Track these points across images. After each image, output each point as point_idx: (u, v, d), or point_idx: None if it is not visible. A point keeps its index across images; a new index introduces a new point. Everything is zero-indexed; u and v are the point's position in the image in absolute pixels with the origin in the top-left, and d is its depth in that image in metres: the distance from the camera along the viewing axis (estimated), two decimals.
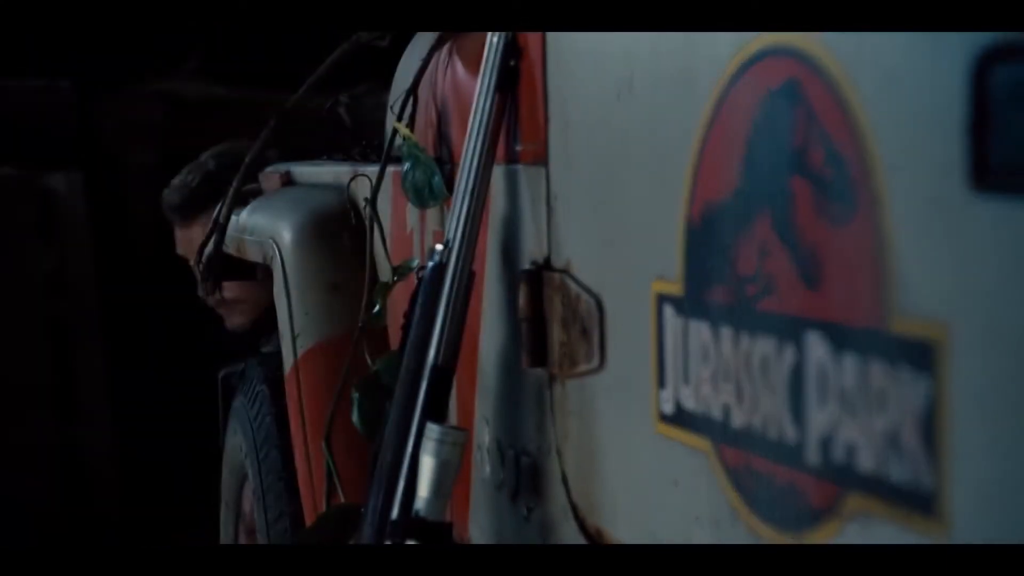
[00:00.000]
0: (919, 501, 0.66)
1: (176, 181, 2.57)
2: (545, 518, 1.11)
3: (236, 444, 1.98)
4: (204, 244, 1.72)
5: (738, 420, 0.81)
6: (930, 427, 0.65)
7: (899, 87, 0.66)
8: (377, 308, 1.34)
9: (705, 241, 0.85)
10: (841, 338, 0.70)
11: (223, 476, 2.10)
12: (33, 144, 3.34)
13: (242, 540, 2.04)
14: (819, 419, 0.73)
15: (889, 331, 0.67)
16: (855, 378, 0.69)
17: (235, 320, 2.36)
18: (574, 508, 1.06)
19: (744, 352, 0.80)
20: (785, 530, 0.78)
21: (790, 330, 0.75)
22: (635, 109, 0.95)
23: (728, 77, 0.81)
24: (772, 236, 0.77)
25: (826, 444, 0.72)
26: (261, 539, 1.81)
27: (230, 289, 2.38)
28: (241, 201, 1.87)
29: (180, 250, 2.57)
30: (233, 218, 1.83)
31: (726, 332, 0.82)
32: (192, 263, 2.35)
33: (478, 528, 1.25)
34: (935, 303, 0.64)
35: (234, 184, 1.45)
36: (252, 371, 1.93)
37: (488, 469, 1.21)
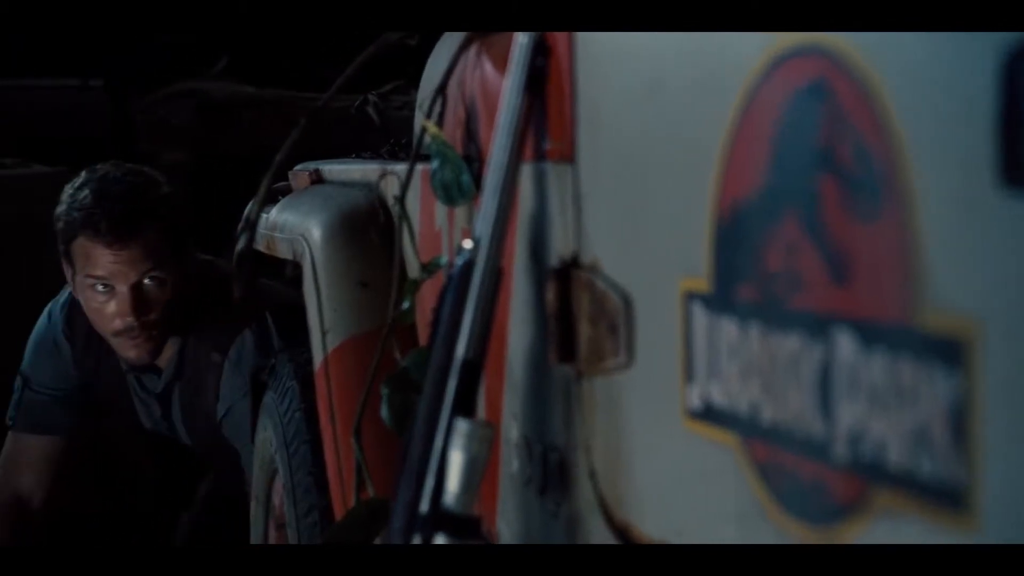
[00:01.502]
0: (949, 498, 0.66)
1: (88, 195, 2.30)
2: (572, 513, 1.12)
3: (266, 439, 1.99)
4: (234, 242, 1.73)
5: (766, 416, 0.81)
6: (960, 423, 0.65)
7: (928, 83, 0.67)
8: (406, 305, 1.35)
9: (733, 238, 0.85)
10: (870, 335, 0.71)
11: (253, 471, 2.11)
12: (66, 143, 3.36)
13: (272, 534, 2.06)
14: (848, 415, 0.73)
15: (918, 328, 0.67)
16: (884, 374, 0.70)
17: (139, 350, 2.32)
18: (602, 503, 1.06)
19: (772, 348, 0.80)
20: (813, 526, 0.78)
21: (819, 327, 0.75)
22: (663, 107, 0.96)
23: (756, 75, 0.82)
24: (800, 233, 0.77)
25: (855, 440, 0.72)
26: (291, 533, 1.82)
27: (154, 311, 2.29)
28: (271, 199, 1.88)
29: (91, 284, 2.31)
30: (263, 216, 1.85)
31: (754, 329, 0.82)
32: (127, 290, 2.26)
33: (506, 523, 1.26)
34: (965, 299, 0.65)
35: (264, 182, 1.46)
36: (282, 367, 1.94)
37: (516, 464, 1.22)
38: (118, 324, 2.31)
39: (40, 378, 2.51)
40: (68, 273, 2.38)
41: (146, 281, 2.29)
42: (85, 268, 2.29)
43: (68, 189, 2.36)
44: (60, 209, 2.34)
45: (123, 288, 2.28)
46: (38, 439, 2.53)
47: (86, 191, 2.31)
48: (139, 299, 2.28)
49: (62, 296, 2.51)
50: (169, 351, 2.40)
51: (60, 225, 2.33)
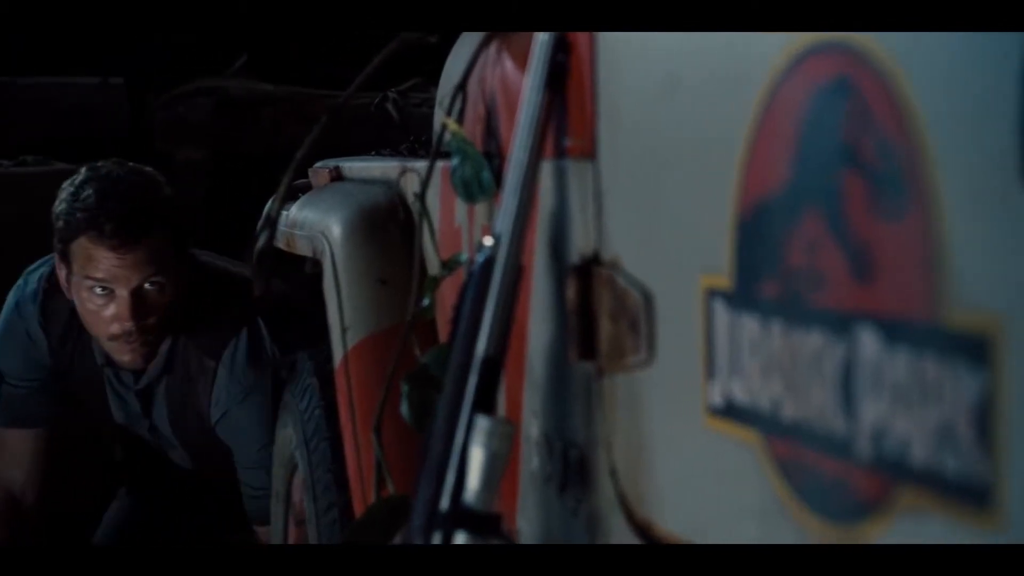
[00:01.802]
0: (973, 496, 0.66)
1: (92, 194, 2.23)
2: (593, 511, 1.12)
3: (286, 436, 2.00)
4: (254, 241, 1.74)
5: (788, 413, 0.81)
6: (984, 421, 0.65)
7: (953, 79, 0.66)
8: (426, 302, 1.35)
9: (755, 235, 0.85)
10: (894, 332, 0.71)
11: (274, 468, 2.12)
12: (86, 141, 3.38)
13: (292, 530, 2.06)
14: (871, 412, 0.73)
15: (943, 325, 0.67)
16: (908, 372, 0.69)
17: (134, 355, 2.27)
18: (622, 501, 1.06)
19: (795, 345, 0.80)
20: (835, 523, 0.78)
21: (842, 324, 0.75)
22: (685, 104, 0.95)
23: (779, 71, 0.81)
24: (823, 230, 0.77)
25: (878, 438, 0.72)
26: (311, 529, 1.83)
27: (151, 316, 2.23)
28: (291, 196, 1.89)
29: (91, 286, 2.25)
30: (283, 213, 1.85)
31: (776, 326, 0.82)
32: (127, 294, 2.20)
33: (526, 520, 1.26)
34: (989, 296, 0.64)
35: (284, 179, 1.47)
36: (302, 364, 1.95)
37: (536, 462, 1.22)
38: (116, 328, 2.26)
39: (14, 371, 2.46)
40: (62, 272, 2.32)
41: (147, 285, 2.23)
42: (85, 269, 2.23)
43: (68, 187, 2.29)
44: (60, 207, 2.27)
45: (123, 292, 2.23)
46: (22, 433, 2.49)
47: (89, 190, 2.24)
48: (139, 304, 2.23)
49: (29, 285, 2.44)
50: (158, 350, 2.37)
51: (60, 224, 2.26)
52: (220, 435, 2.36)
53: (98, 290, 2.23)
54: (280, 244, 1.91)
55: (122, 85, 3.60)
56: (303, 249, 1.82)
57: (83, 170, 2.30)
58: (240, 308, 2.35)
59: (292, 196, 1.91)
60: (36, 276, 2.45)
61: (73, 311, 2.35)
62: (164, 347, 2.34)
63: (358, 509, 1.62)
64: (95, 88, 3.57)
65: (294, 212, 1.89)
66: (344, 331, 1.65)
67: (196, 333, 2.35)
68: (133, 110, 3.63)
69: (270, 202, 1.91)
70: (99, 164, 2.30)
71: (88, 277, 2.23)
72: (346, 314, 1.66)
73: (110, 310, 2.24)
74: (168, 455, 2.55)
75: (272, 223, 1.56)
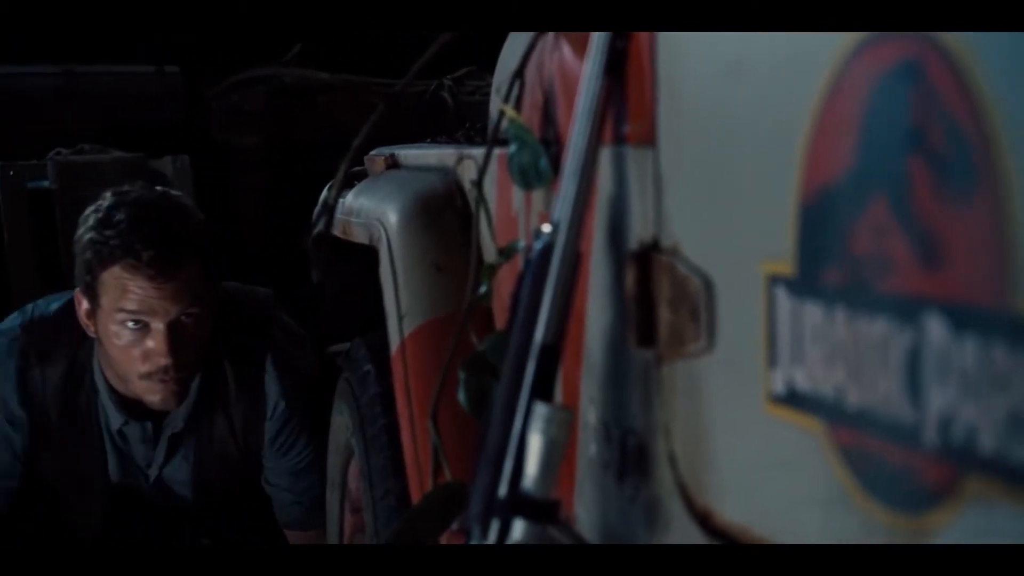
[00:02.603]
0: None
1: (124, 220, 2.08)
2: (651, 498, 1.11)
3: (342, 423, 2.01)
4: (310, 228, 1.74)
5: (852, 401, 0.80)
6: None
7: (1023, 63, 0.65)
8: (484, 289, 1.35)
9: (818, 221, 0.84)
10: (962, 319, 0.70)
11: (329, 455, 2.13)
12: (142, 129, 3.41)
13: (347, 518, 2.07)
14: (938, 400, 0.72)
15: (1012, 311, 0.66)
16: (976, 359, 0.69)
17: (166, 393, 2.13)
18: (681, 488, 1.06)
19: (859, 332, 0.79)
20: (900, 512, 0.77)
21: (908, 311, 0.74)
22: (746, 89, 0.95)
23: (844, 55, 0.81)
24: (889, 216, 0.76)
25: (945, 425, 0.71)
26: (367, 516, 1.84)
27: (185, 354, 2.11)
28: (346, 184, 1.89)
29: (120, 318, 2.09)
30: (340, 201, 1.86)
31: (840, 312, 0.82)
32: (164, 328, 2.07)
33: (583, 507, 1.25)
34: None
35: (342, 166, 1.47)
36: (357, 351, 1.96)
37: (594, 449, 1.22)
38: (149, 366, 2.11)
39: None
40: (84, 307, 2.15)
41: (183, 318, 2.10)
42: (117, 302, 2.07)
43: (92, 213, 2.12)
44: (87, 236, 2.10)
45: (159, 325, 2.08)
46: None
47: (120, 215, 2.08)
48: (175, 338, 2.09)
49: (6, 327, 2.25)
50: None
51: (88, 254, 2.09)
52: (274, 446, 2.28)
53: (131, 324, 2.09)
54: (336, 232, 1.91)
55: (178, 74, 3.63)
56: (359, 237, 1.83)
57: (108, 195, 2.14)
58: (265, 328, 2.28)
59: (348, 184, 1.92)
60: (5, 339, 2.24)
61: (70, 368, 2.20)
62: (194, 385, 2.22)
63: (415, 496, 1.62)
64: (151, 77, 3.60)
65: (350, 199, 1.90)
66: (401, 318, 1.66)
67: (226, 365, 2.24)
68: (189, 98, 3.66)
69: (327, 189, 1.92)
70: (126, 188, 2.16)
71: (121, 310, 2.08)
72: (403, 301, 1.66)
73: (145, 345, 2.10)
74: (161, 500, 2.37)
75: (330, 210, 1.56)
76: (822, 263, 0.84)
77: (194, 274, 2.10)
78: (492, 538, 1.12)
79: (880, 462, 0.79)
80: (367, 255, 1.81)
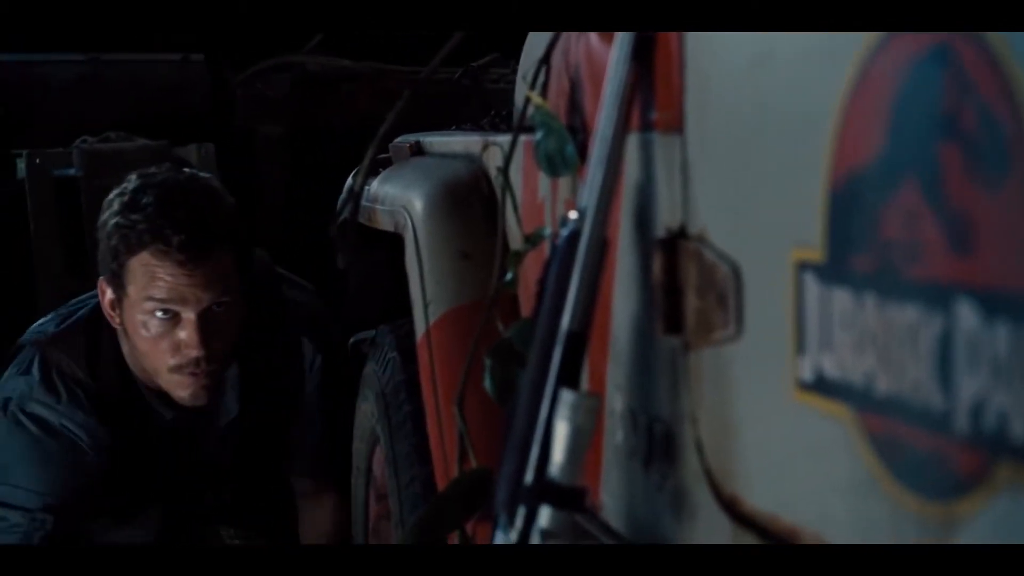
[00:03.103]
0: None
1: (153, 203, 1.95)
2: (678, 486, 1.11)
3: (367, 410, 2.01)
4: (338, 214, 1.74)
5: (882, 388, 0.80)
6: None
7: None
8: (510, 276, 1.35)
9: (848, 207, 0.84)
10: (994, 305, 0.69)
11: (354, 441, 2.14)
12: (168, 117, 3.42)
13: (372, 505, 2.08)
14: (969, 386, 0.72)
15: None
16: (1008, 345, 0.68)
17: (196, 388, 2.01)
18: (708, 475, 1.06)
19: (889, 319, 0.79)
20: (930, 499, 0.77)
21: (939, 297, 0.74)
22: (775, 75, 0.94)
23: (874, 40, 0.80)
24: (920, 201, 0.76)
25: (976, 412, 0.71)
26: (392, 503, 1.84)
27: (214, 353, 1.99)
28: (371, 171, 1.89)
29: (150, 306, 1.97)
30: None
31: (870, 299, 0.81)
32: (195, 317, 1.95)
33: (609, 495, 1.25)
34: None
35: (368, 153, 1.47)
36: (383, 338, 1.96)
37: (620, 436, 1.22)
38: (179, 358, 1.99)
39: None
40: (108, 297, 2.02)
41: (215, 307, 1.98)
42: (146, 290, 1.95)
43: (117, 197, 1.99)
44: (112, 220, 1.97)
45: (190, 315, 1.96)
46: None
47: (147, 198, 1.95)
48: (207, 328, 1.97)
49: (15, 391, 2.06)
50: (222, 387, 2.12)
51: (114, 240, 1.97)
52: (313, 400, 2.21)
53: (159, 313, 1.97)
54: (362, 219, 1.92)
55: (203, 62, 3.64)
56: (384, 224, 1.83)
57: (133, 177, 2.02)
58: (276, 288, 2.22)
59: (373, 171, 1.92)
60: (22, 379, 2.08)
61: (118, 365, 2.08)
62: (232, 373, 2.12)
63: (440, 482, 1.63)
64: (176, 65, 3.61)
65: (375, 187, 1.90)
66: (426, 305, 1.66)
67: (261, 354, 2.15)
68: (213, 87, 3.67)
69: (352, 176, 1.92)
70: (152, 171, 2.04)
71: (149, 299, 1.96)
72: (428, 288, 1.66)
73: (176, 336, 1.98)
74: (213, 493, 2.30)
75: (355, 197, 1.56)
76: (852, 249, 0.84)
77: (226, 260, 1.98)
78: (518, 525, 1.12)
79: (910, 449, 0.78)
80: (392, 242, 1.81)
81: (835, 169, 0.85)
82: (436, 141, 1.91)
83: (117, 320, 2.04)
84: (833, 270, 0.86)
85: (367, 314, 2.27)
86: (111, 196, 2.02)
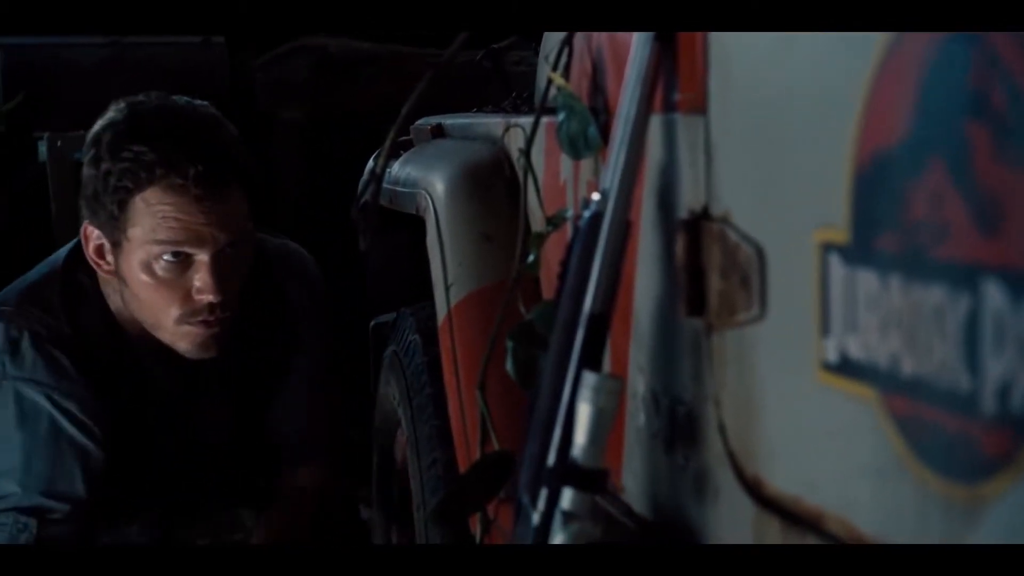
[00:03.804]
0: None
1: (160, 130, 1.71)
2: (701, 467, 1.11)
3: (388, 393, 2.01)
4: (357, 198, 1.72)
5: (908, 369, 0.80)
6: None
7: None
8: (532, 258, 1.35)
9: (874, 188, 0.83)
10: (1021, 285, 0.69)
11: (375, 424, 2.14)
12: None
13: (394, 487, 2.08)
14: (996, 367, 0.71)
15: None
16: None
17: (207, 338, 1.79)
18: (731, 457, 1.05)
19: (915, 300, 0.79)
20: (956, 481, 0.76)
21: (966, 277, 0.73)
22: (800, 55, 0.94)
23: None
24: (947, 181, 0.75)
25: (1003, 393, 0.71)
26: (414, 485, 1.84)
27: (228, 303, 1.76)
28: (394, 153, 1.89)
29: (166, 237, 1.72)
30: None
31: (896, 280, 0.81)
32: (209, 259, 1.73)
33: (632, 477, 1.25)
34: None
35: (390, 135, 1.46)
36: (404, 321, 1.96)
37: (642, 418, 1.22)
38: (191, 305, 1.76)
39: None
40: (95, 244, 1.77)
41: (227, 249, 1.76)
42: (154, 232, 1.71)
43: (107, 130, 1.73)
44: (105, 153, 1.71)
45: (205, 256, 1.74)
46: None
47: (151, 125, 1.70)
48: (222, 270, 1.76)
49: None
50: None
51: (112, 178, 1.71)
52: (293, 350, 1.98)
53: (168, 256, 1.73)
54: (382, 201, 1.91)
55: (223, 44, 3.64)
56: (406, 206, 1.83)
57: (121, 105, 1.76)
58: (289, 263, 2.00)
59: (394, 153, 1.92)
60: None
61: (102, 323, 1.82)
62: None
63: (462, 464, 1.63)
64: (196, 48, 3.61)
65: (396, 169, 1.90)
66: (448, 288, 1.66)
67: (254, 307, 1.91)
68: (233, 69, 3.67)
69: (373, 158, 1.92)
70: (139, 98, 1.78)
71: (159, 241, 1.72)
72: (450, 270, 1.66)
73: (189, 281, 1.75)
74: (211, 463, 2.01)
75: (378, 179, 1.56)
76: (877, 230, 0.83)
77: (240, 196, 1.76)
78: (540, 507, 1.12)
79: (936, 431, 0.78)
80: (413, 225, 1.81)
81: (861, 149, 0.85)
82: (457, 123, 1.91)
83: (107, 268, 1.79)
84: (858, 251, 0.85)
85: (388, 297, 2.27)
86: (97, 128, 1.75)
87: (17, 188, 3.38)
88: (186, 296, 1.76)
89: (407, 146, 1.98)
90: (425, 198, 1.73)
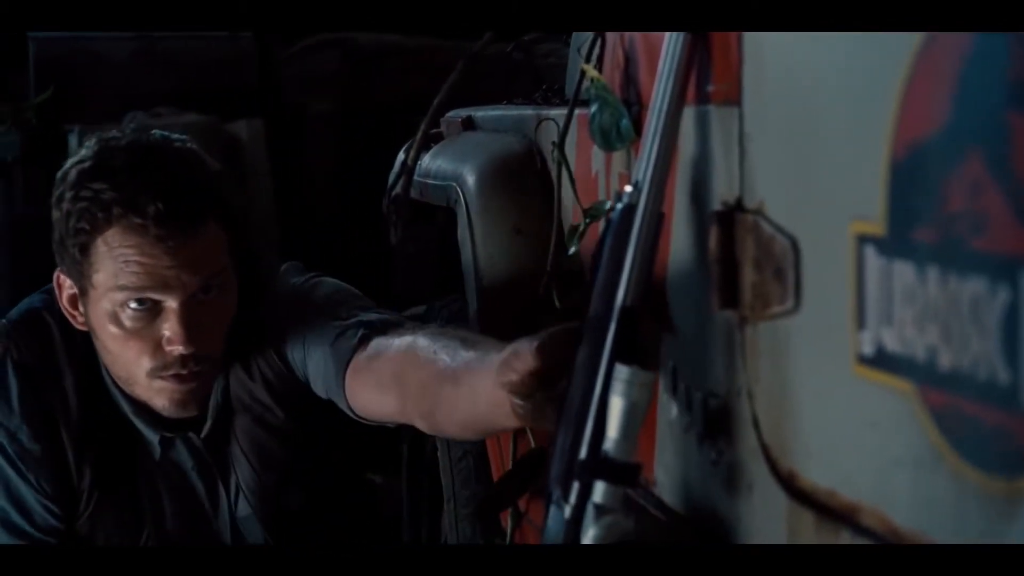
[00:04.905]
0: None
1: (123, 167, 1.54)
2: (734, 461, 1.11)
3: None
4: (391, 189, 1.72)
5: (945, 362, 0.79)
6: None
7: None
8: (572, 250, 1.34)
9: (910, 180, 0.83)
10: None
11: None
12: (216, 93, 3.43)
13: (424, 480, 2.08)
14: None
15: None
16: None
17: (183, 394, 1.59)
18: (765, 451, 1.05)
19: (952, 292, 0.78)
20: (994, 474, 0.76)
21: (1004, 269, 0.73)
22: (835, 46, 0.93)
23: None
24: (985, 173, 0.74)
25: None
26: (444, 478, 1.84)
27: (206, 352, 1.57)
28: (424, 146, 1.89)
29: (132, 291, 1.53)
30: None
31: (933, 272, 0.80)
32: (179, 306, 1.53)
33: (664, 470, 1.25)
34: None
35: (422, 127, 1.46)
36: (434, 314, 1.96)
37: (675, 411, 1.21)
38: (160, 359, 1.57)
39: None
40: (67, 293, 1.61)
41: (200, 294, 1.57)
42: (116, 278, 1.54)
43: (74, 167, 1.57)
44: (69, 193, 1.56)
45: (174, 303, 1.54)
46: None
47: (113, 162, 1.55)
48: (195, 318, 1.56)
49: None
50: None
51: (72, 220, 1.55)
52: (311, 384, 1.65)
53: (133, 304, 1.55)
54: (413, 194, 1.92)
55: (251, 38, 3.65)
56: (436, 199, 1.83)
57: (91, 142, 1.60)
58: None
59: (424, 146, 1.92)
60: None
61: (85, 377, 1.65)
62: (218, 383, 1.66)
63: (493, 457, 1.63)
64: (225, 41, 3.62)
65: (427, 161, 1.90)
66: (479, 280, 1.66)
67: (246, 353, 1.67)
68: (262, 62, 3.68)
69: (403, 151, 1.93)
70: (112, 134, 1.61)
71: (120, 288, 1.54)
72: (481, 263, 1.66)
73: (157, 331, 1.56)
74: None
75: (409, 171, 1.55)
76: (914, 222, 0.83)
77: (214, 235, 1.57)
78: (572, 500, 1.12)
79: (974, 424, 0.77)
80: (444, 217, 1.81)
81: (897, 140, 0.84)
82: (488, 115, 1.91)
83: (79, 320, 1.62)
84: (894, 243, 0.85)
85: (418, 290, 2.28)
86: (67, 165, 1.60)
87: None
88: (156, 348, 1.57)
89: (437, 138, 1.98)
90: (456, 191, 1.73)
